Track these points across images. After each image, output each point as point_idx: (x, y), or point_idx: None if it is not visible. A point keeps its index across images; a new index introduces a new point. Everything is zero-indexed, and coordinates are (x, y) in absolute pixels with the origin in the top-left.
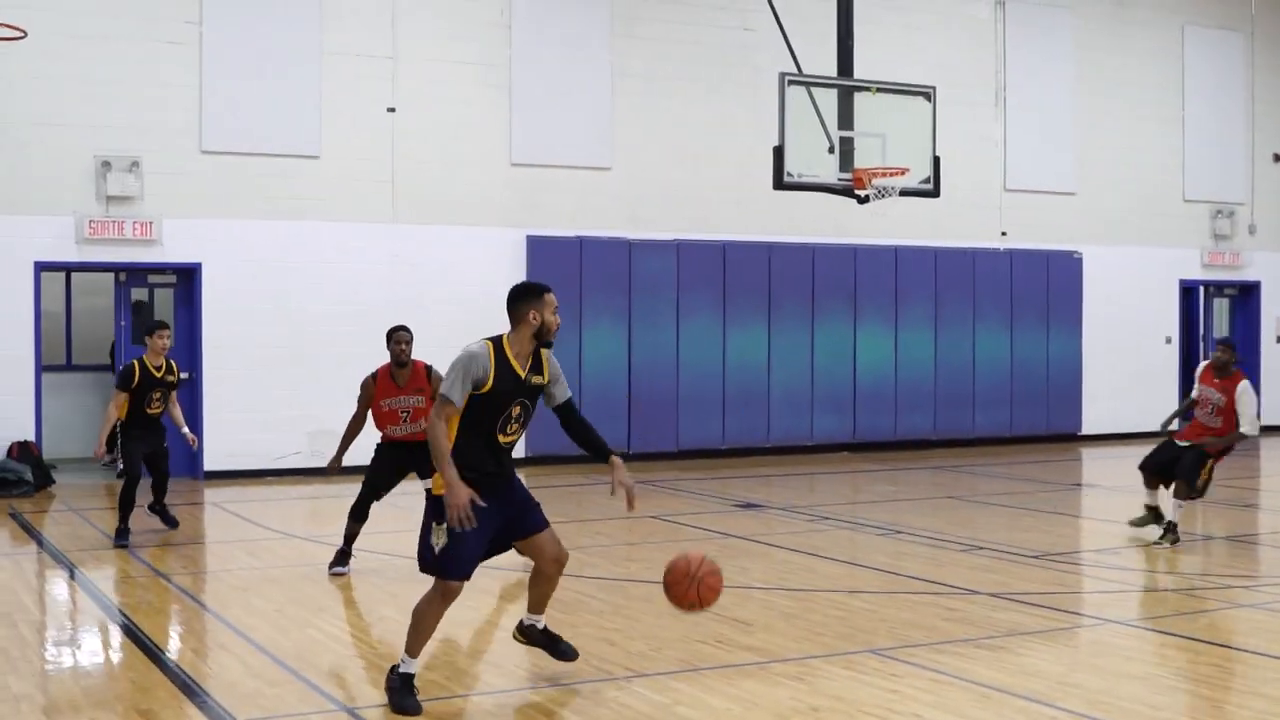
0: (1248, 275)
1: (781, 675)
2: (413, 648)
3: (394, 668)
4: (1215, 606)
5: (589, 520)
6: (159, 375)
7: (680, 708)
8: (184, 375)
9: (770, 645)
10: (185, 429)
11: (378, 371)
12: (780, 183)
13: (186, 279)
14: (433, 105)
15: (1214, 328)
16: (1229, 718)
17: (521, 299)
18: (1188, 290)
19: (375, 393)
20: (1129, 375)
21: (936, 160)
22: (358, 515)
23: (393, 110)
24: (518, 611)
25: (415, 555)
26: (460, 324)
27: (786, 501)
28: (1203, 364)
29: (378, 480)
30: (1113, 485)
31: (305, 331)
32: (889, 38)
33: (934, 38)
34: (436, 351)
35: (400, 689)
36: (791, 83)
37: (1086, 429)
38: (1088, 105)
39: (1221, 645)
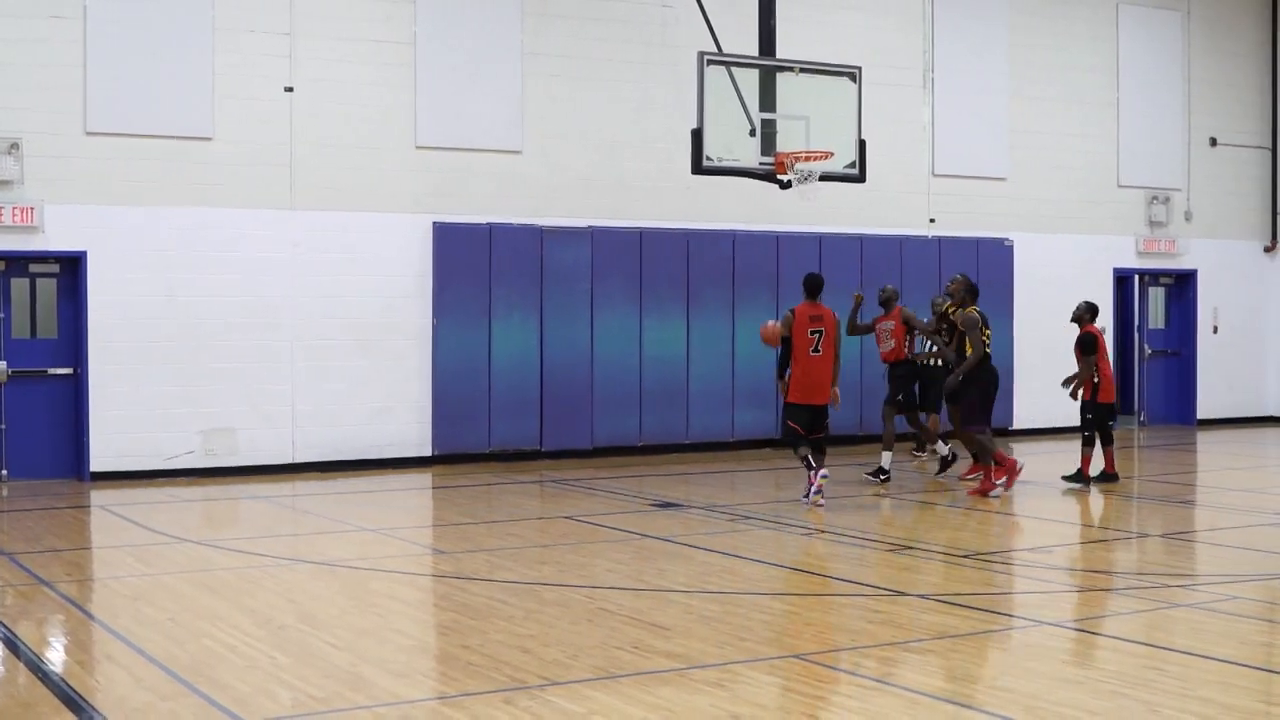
0: (1183, 264)
1: (701, 682)
2: None
3: None
4: (1152, 606)
5: (499, 521)
6: None
7: (596, 718)
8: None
9: (690, 651)
10: None
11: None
12: (699, 167)
13: (71, 269)
14: (333, 85)
15: (1149, 318)
16: None
17: None
18: (1122, 279)
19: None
20: (1062, 369)
21: (862, 144)
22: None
23: (290, 90)
24: (424, 622)
25: (310, 559)
26: (365, 315)
27: (706, 500)
28: None
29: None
30: (1045, 482)
31: (199, 325)
32: (813, 16)
33: (860, 16)
34: (340, 343)
35: None
36: (710, 62)
37: (1019, 424)
38: (1019, 88)
39: (1159, 647)
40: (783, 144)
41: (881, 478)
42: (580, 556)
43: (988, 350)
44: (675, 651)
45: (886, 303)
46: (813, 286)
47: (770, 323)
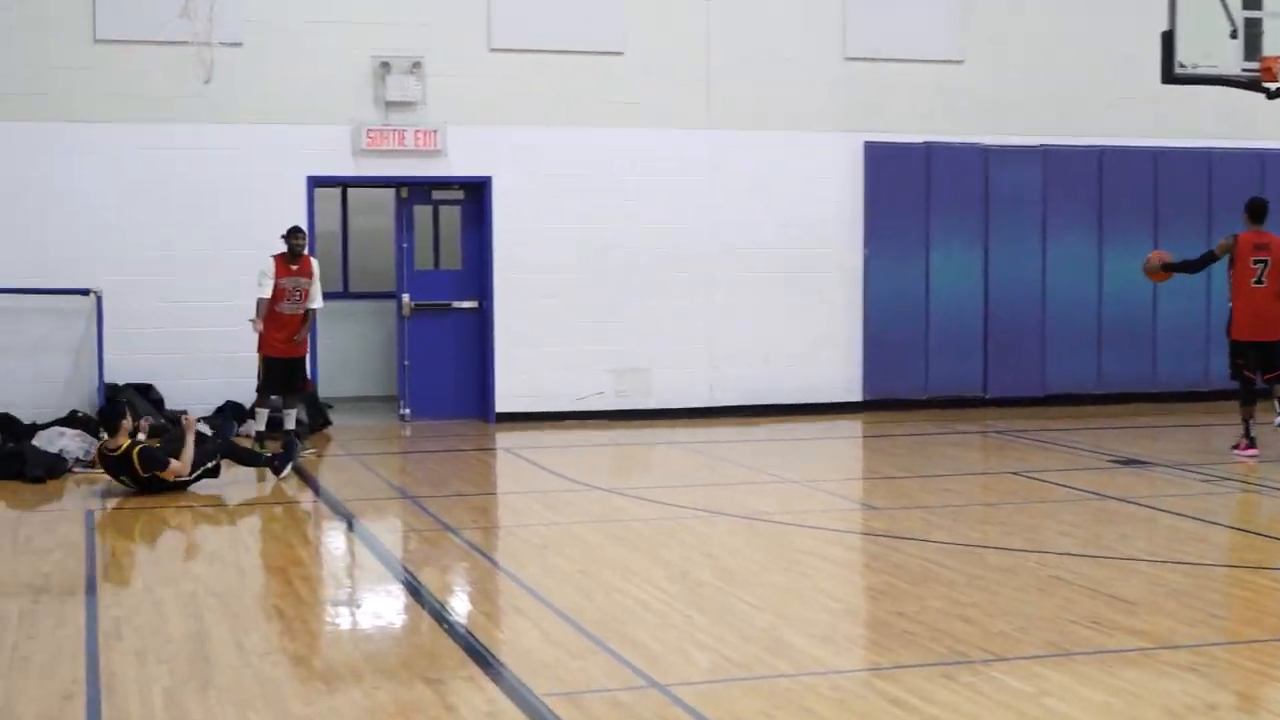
0: None
1: (1171, 664)
2: None
3: None
4: None
5: (936, 476)
6: None
7: (1048, 699)
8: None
9: (1157, 628)
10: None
11: None
12: (1170, 75)
13: (475, 195)
14: None
15: None
16: None
17: None
18: None
19: None
20: None
21: None
22: None
23: None
24: (853, 584)
25: (728, 512)
26: (789, 245)
27: (1177, 458)
28: None
29: None
30: None
31: (609, 255)
32: None
33: None
34: (761, 277)
35: None
36: None
37: None
38: None
39: None
40: (1270, 47)
41: None
42: (1029, 518)
43: None
44: (1140, 628)
45: None
46: (1257, 211)
47: (1154, 254)
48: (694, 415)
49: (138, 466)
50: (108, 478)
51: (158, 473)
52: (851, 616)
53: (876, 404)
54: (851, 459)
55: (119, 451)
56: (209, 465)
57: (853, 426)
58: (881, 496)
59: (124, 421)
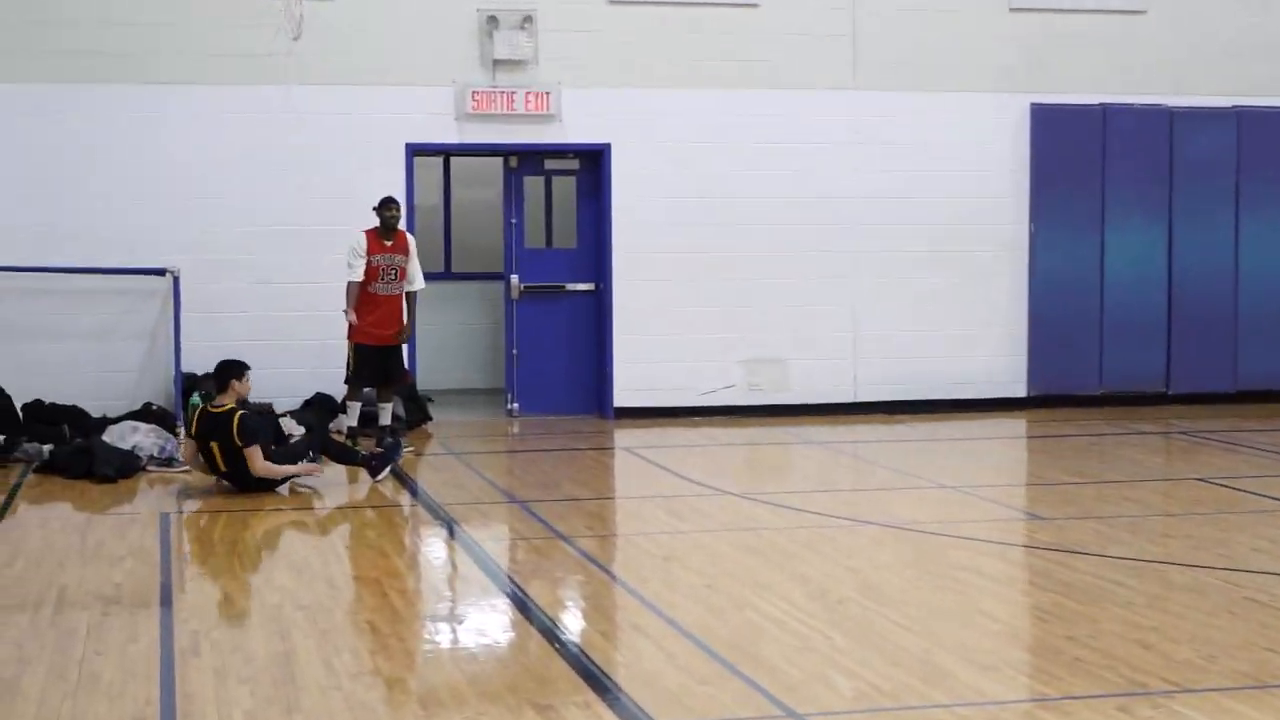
0: None
1: None
2: None
3: None
4: None
5: (1112, 482)
6: None
7: None
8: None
9: None
10: None
11: None
12: None
13: (591, 165)
14: None
15: None
16: None
17: None
18: None
19: None
20: None
21: None
22: None
23: None
24: (1017, 604)
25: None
26: (944, 220)
27: None
28: None
29: None
30: None
31: (741, 232)
32: None
33: None
34: (913, 255)
35: None
36: None
37: None
38: None
39: None
40: None
41: None
42: (1218, 530)
43: None
44: None
45: None
46: None
47: None
48: (836, 411)
49: (235, 432)
50: (185, 478)
51: (247, 451)
52: (1014, 640)
53: (1043, 400)
54: (1014, 462)
55: (222, 410)
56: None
57: (1016, 425)
58: (1048, 505)
59: (239, 383)
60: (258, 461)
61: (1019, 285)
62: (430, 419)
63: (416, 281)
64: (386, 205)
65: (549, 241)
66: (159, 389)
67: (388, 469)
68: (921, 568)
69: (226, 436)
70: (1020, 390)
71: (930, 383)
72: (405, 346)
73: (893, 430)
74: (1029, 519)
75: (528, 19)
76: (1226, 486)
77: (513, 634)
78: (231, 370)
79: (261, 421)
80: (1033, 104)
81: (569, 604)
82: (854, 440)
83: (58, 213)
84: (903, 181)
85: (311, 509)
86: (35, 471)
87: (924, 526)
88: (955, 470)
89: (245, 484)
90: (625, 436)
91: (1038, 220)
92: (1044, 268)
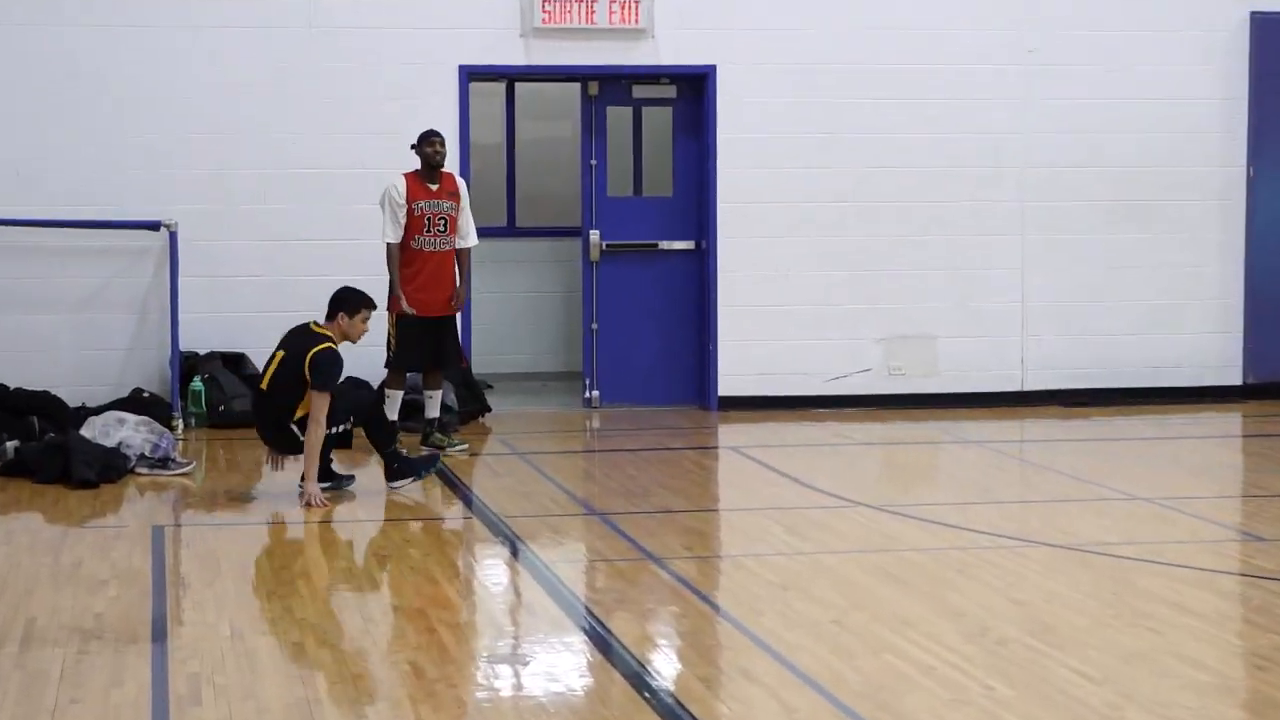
0: None
1: None
2: None
3: None
4: None
5: None
6: None
7: None
8: None
9: None
10: None
11: None
12: None
13: (691, 94)
14: None
15: None
16: None
17: None
18: None
19: None
20: None
21: None
22: None
23: None
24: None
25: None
26: (1133, 161)
27: None
28: None
29: None
30: None
31: (874, 180)
32: None
33: None
34: (1093, 206)
35: None
36: None
37: None
38: None
39: None
40: None
41: None
42: None
43: None
44: None
45: None
46: None
47: None
48: (998, 402)
49: (308, 368)
50: (183, 482)
51: (313, 392)
52: (1228, 694)
53: (1264, 389)
54: (1227, 468)
55: (320, 332)
56: (340, 429)
57: (1229, 421)
58: (1269, 522)
59: (346, 320)
60: (319, 410)
61: (1233, 244)
62: (488, 410)
63: (470, 236)
64: (428, 139)
65: (638, 189)
66: (151, 372)
67: (409, 481)
68: (1106, 600)
69: (298, 360)
70: (1234, 377)
71: (1117, 367)
72: (459, 318)
73: (1070, 426)
74: (1245, 539)
75: None
76: None
77: (590, 679)
78: (343, 302)
79: (347, 386)
80: (1253, 13)
81: (661, 643)
82: (1021, 439)
83: (24, 149)
84: (1081, 116)
85: (341, 521)
86: None
87: (1110, 548)
88: (1150, 478)
89: (268, 422)
90: (732, 433)
91: (1258, 162)
92: (1265, 222)
